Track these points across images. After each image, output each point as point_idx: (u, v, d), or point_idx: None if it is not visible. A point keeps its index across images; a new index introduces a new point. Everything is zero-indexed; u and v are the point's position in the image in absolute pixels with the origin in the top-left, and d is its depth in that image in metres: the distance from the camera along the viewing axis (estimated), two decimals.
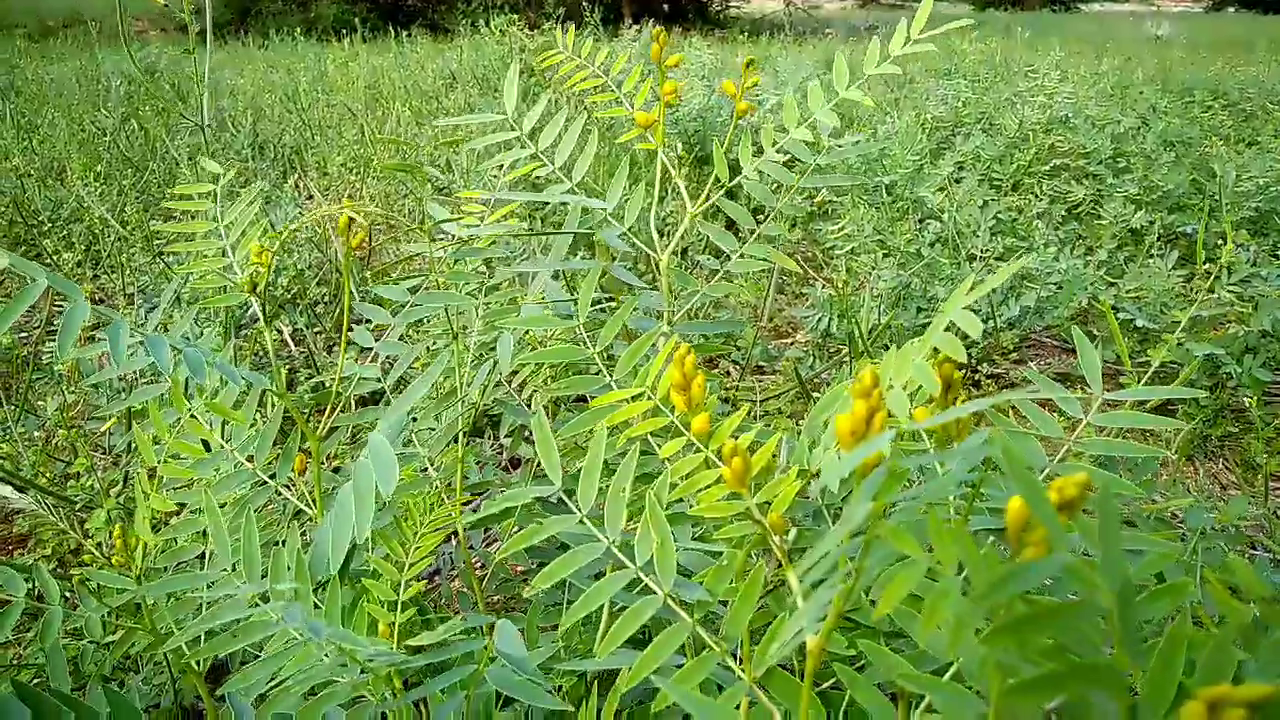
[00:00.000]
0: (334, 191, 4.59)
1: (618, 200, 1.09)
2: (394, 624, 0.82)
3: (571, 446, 1.26)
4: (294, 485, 1.17)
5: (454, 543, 1.68)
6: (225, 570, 0.89)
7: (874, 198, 3.55)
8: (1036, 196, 3.49)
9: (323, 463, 1.08)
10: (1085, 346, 1.01)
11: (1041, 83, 4.07)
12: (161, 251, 3.33)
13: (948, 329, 0.72)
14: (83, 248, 3.78)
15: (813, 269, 3.63)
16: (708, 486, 0.80)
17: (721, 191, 1.10)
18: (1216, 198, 3.23)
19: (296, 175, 4.93)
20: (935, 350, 0.75)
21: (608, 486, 0.81)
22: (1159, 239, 3.20)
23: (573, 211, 1.10)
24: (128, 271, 3.35)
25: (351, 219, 1.05)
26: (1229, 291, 2.59)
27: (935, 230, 3.19)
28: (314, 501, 1.07)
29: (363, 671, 0.84)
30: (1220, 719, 0.47)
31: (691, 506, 0.82)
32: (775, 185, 1.13)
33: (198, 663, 1.03)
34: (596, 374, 0.91)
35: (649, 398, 0.86)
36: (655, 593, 0.72)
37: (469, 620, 0.78)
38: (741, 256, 1.14)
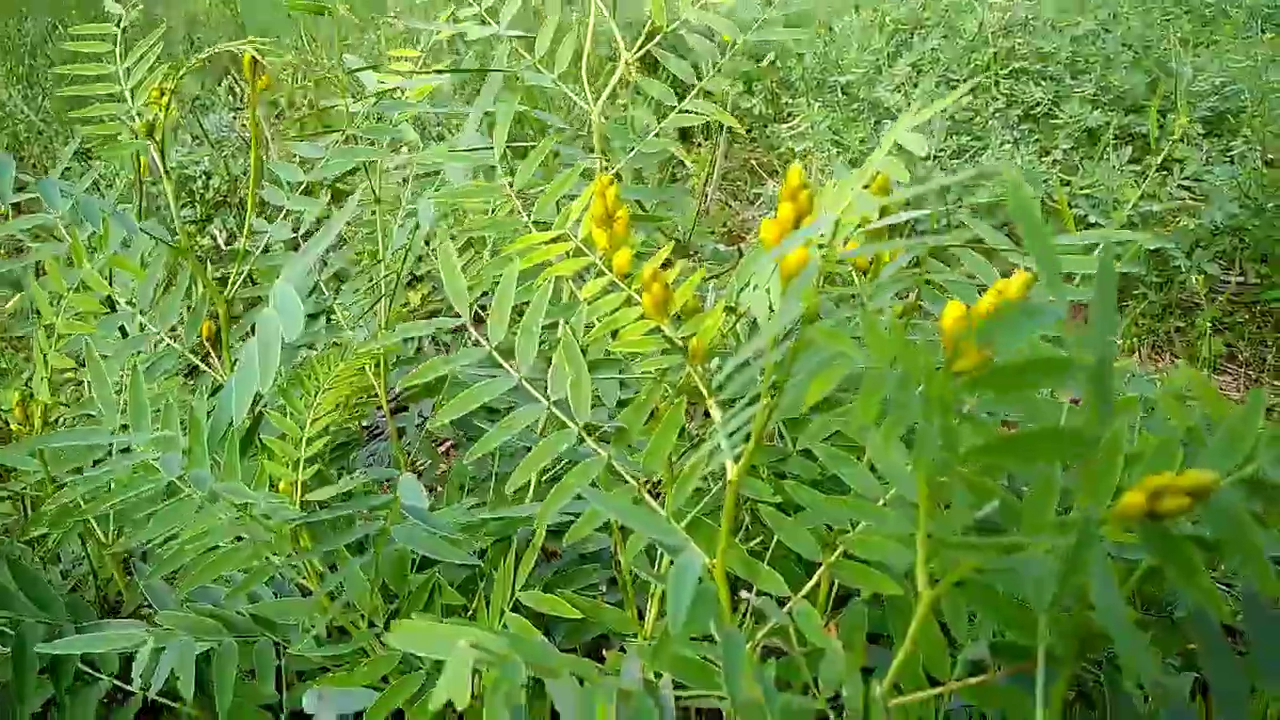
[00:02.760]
0: (269, 93, 4.40)
1: (546, 46, 1.02)
2: (296, 483, 0.77)
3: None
4: (211, 356, 1.10)
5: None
6: (115, 428, 0.83)
7: (829, 98, 3.47)
8: (994, 98, 3.43)
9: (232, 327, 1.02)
10: (1027, 208, 0.97)
11: None
12: (86, 150, 3.17)
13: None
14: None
15: (766, 174, 3.56)
16: (629, 324, 0.75)
17: (657, 39, 1.02)
18: (1172, 97, 3.20)
19: (230, 79, 4.71)
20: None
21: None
22: (1115, 139, 3.17)
23: (499, 57, 1.02)
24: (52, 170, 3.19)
25: (255, 60, 0.96)
26: (1181, 186, 2.58)
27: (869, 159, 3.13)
28: (225, 367, 1.01)
29: (266, 532, 0.79)
30: (1160, 505, 0.43)
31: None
32: (716, 41, 1.06)
33: (108, 537, 0.98)
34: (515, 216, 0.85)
35: (571, 238, 0.81)
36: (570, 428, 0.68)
37: (371, 474, 0.73)
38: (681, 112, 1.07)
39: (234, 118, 3.83)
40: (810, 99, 3.50)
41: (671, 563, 0.45)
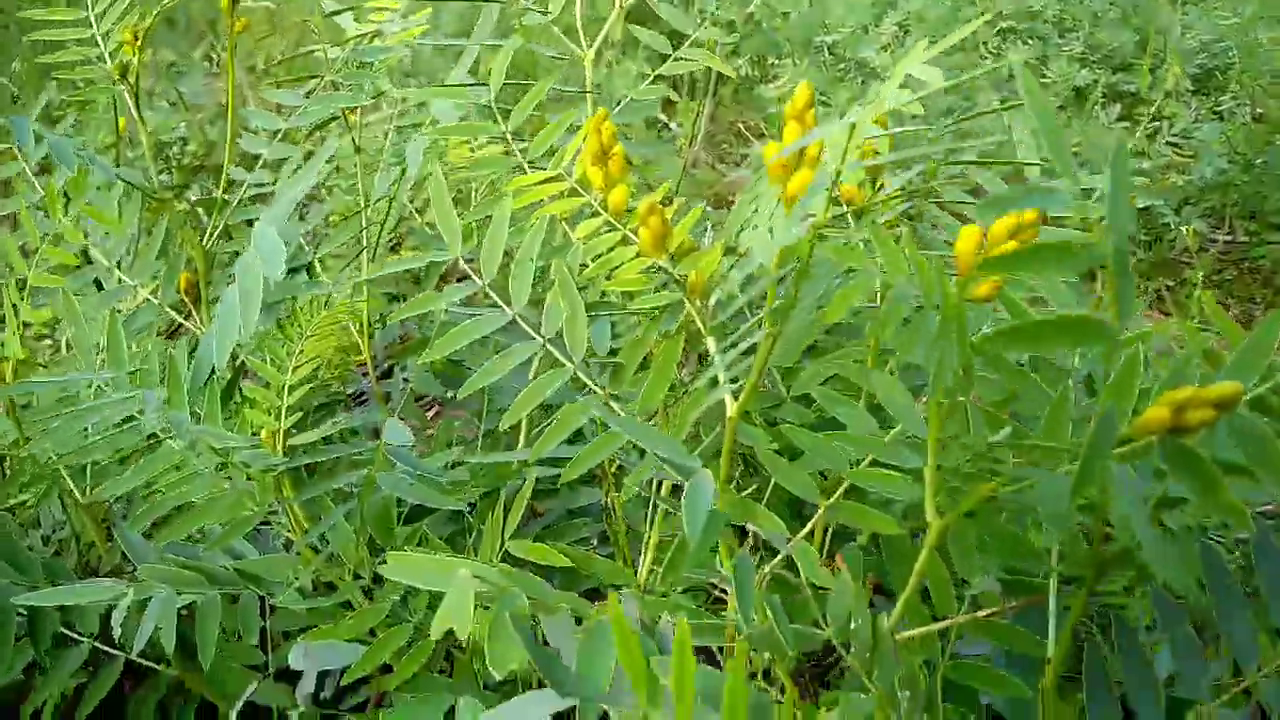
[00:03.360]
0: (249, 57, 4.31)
1: None
2: (278, 431, 0.74)
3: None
4: (191, 312, 1.07)
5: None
6: (91, 376, 0.80)
7: (815, 58, 3.43)
8: (981, 57, 3.40)
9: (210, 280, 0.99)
10: (1039, 100, 0.95)
11: None
12: (59, 114, 3.10)
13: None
14: None
15: (753, 136, 3.52)
16: (625, 263, 0.72)
17: None
18: (1161, 54, 3.17)
19: (207, 45, 4.62)
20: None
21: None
22: (1103, 97, 3.15)
23: None
24: None
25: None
26: (1169, 143, 2.56)
27: (878, 91, 3.10)
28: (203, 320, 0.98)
29: (248, 479, 0.76)
30: (1185, 418, 0.42)
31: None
32: None
33: (83, 491, 0.95)
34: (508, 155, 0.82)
35: (565, 178, 0.78)
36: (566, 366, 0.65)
37: (357, 418, 0.71)
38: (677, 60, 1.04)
39: (210, 80, 3.76)
40: (796, 59, 3.46)
41: (675, 488, 0.43)
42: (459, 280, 0.75)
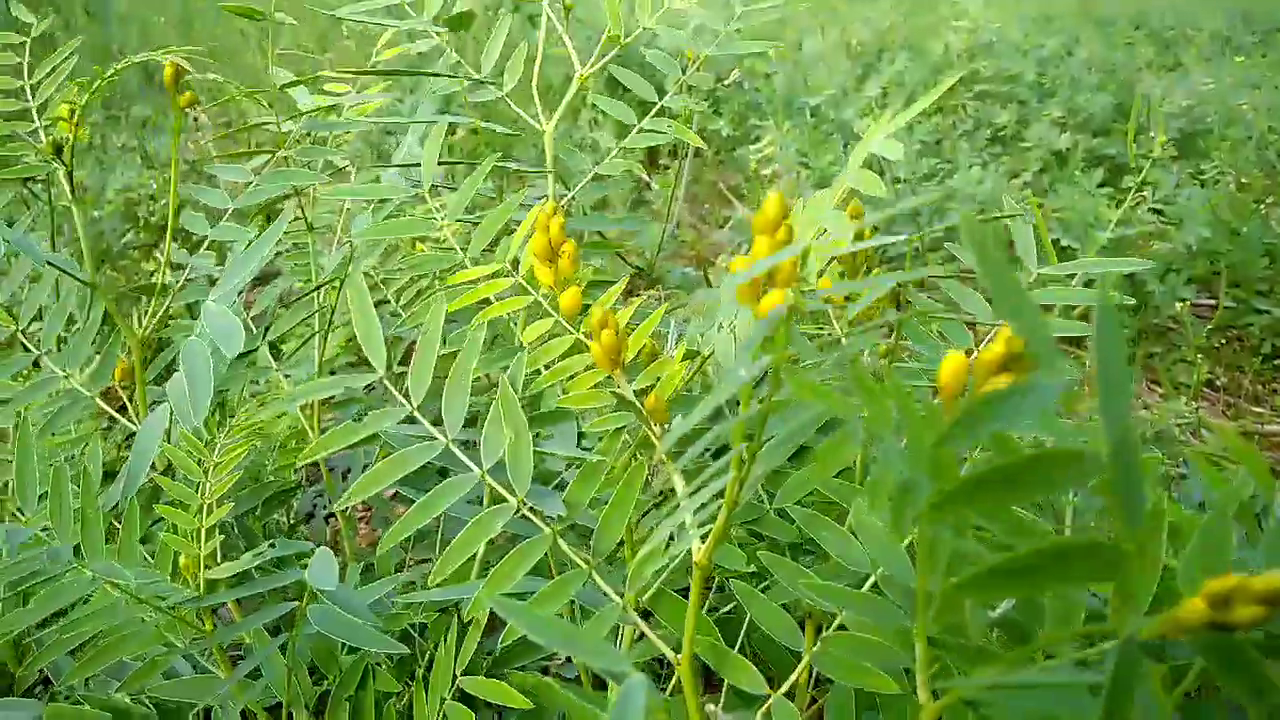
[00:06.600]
0: (225, 117, 4.28)
1: (494, 61, 0.93)
2: (198, 557, 0.67)
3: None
4: (128, 405, 0.99)
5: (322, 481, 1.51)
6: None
7: (798, 119, 3.43)
8: (961, 120, 3.40)
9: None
10: (1018, 227, 0.90)
11: (966, 6, 3.98)
12: None
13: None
14: None
15: (735, 197, 3.50)
16: (578, 373, 0.66)
17: (615, 52, 0.94)
18: (1143, 118, 3.18)
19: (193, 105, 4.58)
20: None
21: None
22: (1084, 162, 3.14)
23: (439, 66, 0.93)
24: None
25: (179, 67, 0.87)
26: (1152, 209, 2.54)
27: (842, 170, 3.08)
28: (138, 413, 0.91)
29: (160, 615, 0.68)
30: (1229, 615, 0.35)
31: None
32: (679, 55, 0.98)
33: None
34: (449, 251, 0.76)
35: (510, 275, 0.72)
36: (508, 500, 0.58)
37: (281, 548, 0.63)
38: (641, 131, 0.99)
39: (185, 135, 3.71)
40: (779, 121, 3.45)
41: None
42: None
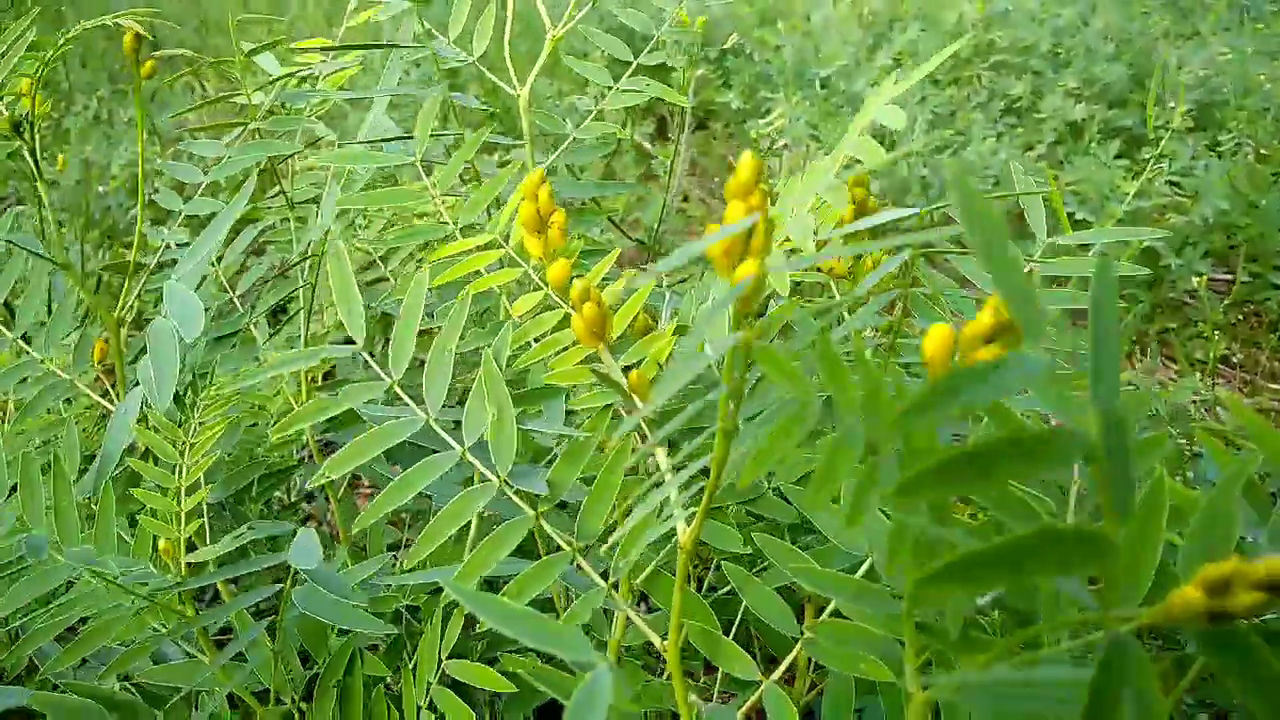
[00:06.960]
0: (229, 88, 4.25)
1: (463, 23, 0.89)
2: (178, 540, 0.65)
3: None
4: (106, 385, 0.98)
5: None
6: None
7: (808, 91, 3.37)
8: (975, 91, 3.34)
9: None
10: (1030, 200, 0.87)
11: None
12: None
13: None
14: None
15: None
16: (566, 348, 0.63)
17: (588, 7, 0.90)
18: (1159, 90, 3.11)
19: (188, 75, 4.56)
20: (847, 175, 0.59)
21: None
22: (1099, 133, 3.09)
23: (406, 34, 0.89)
24: None
25: (139, 35, 0.84)
26: (1168, 182, 2.49)
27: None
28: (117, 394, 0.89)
29: (141, 601, 0.67)
30: (1227, 603, 0.32)
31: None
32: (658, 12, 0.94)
33: None
34: (442, 223, 0.74)
35: (500, 246, 0.69)
36: (490, 480, 0.56)
37: (259, 530, 0.62)
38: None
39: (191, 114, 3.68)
40: (788, 93, 3.40)
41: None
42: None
